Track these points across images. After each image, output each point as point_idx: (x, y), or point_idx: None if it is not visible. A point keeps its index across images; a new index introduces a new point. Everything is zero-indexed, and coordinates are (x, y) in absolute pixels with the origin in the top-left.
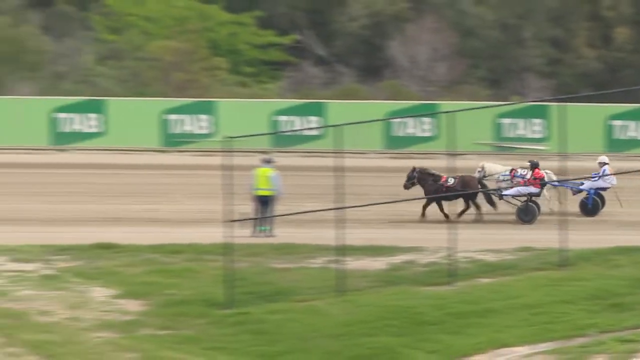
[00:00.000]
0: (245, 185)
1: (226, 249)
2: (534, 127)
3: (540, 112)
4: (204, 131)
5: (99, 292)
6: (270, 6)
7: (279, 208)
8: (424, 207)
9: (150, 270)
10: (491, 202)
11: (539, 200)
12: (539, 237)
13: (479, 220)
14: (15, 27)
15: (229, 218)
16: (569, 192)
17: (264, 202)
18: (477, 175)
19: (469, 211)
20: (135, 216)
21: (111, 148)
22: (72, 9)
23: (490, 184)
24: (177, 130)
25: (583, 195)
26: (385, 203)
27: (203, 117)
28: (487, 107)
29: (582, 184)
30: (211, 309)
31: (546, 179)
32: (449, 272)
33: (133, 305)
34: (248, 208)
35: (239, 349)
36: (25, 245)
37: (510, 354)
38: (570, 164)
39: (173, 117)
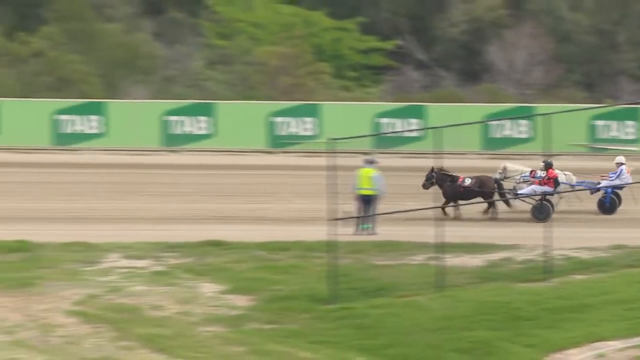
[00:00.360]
0: (348, 185)
1: (330, 247)
2: (626, 129)
3: (633, 115)
4: (309, 133)
5: (208, 288)
6: (373, 12)
7: (380, 207)
8: (443, 207)
9: (257, 266)
10: (506, 202)
11: (553, 199)
12: (632, 235)
13: (494, 218)
14: (129, 33)
15: (333, 217)
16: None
17: (367, 201)
18: (498, 175)
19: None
20: (242, 215)
21: (220, 149)
22: (183, 16)
23: (510, 184)
24: (283, 132)
25: (600, 194)
26: (483, 202)
27: (308, 119)
28: (581, 109)
29: (599, 183)
30: (315, 304)
31: (565, 179)
32: (545, 269)
33: (241, 301)
34: (351, 207)
35: (342, 342)
36: (138, 242)
37: (605, 347)
38: None
39: (279, 119)
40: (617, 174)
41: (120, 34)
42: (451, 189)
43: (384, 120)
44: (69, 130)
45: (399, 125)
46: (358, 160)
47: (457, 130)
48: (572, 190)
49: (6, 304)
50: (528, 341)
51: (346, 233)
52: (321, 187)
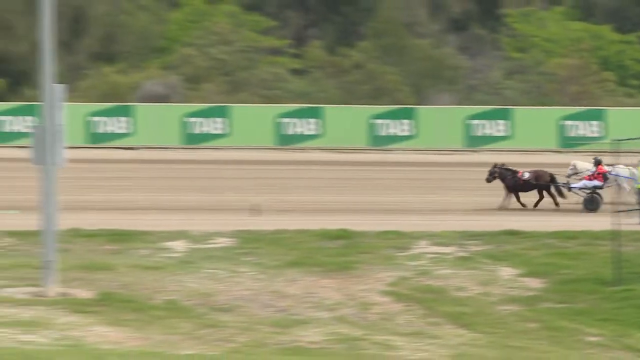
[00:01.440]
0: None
1: (614, 235)
2: None
3: None
4: (595, 135)
5: (506, 272)
6: None
7: None
8: (505, 199)
9: (549, 253)
10: (560, 193)
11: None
12: None
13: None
14: (437, 48)
15: (617, 209)
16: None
17: None
18: (569, 171)
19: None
20: (539, 206)
21: (516, 149)
22: (485, 32)
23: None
24: (572, 133)
25: None
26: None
27: (594, 122)
28: None
29: None
30: (601, 286)
31: (629, 174)
32: None
33: (534, 283)
34: (633, 199)
35: (625, 320)
36: (444, 231)
37: None
38: None
39: (569, 122)
40: None
41: (429, 48)
42: (512, 182)
43: None
44: (383, 133)
45: None
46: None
47: None
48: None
49: (330, 285)
50: None
51: (629, 223)
52: None
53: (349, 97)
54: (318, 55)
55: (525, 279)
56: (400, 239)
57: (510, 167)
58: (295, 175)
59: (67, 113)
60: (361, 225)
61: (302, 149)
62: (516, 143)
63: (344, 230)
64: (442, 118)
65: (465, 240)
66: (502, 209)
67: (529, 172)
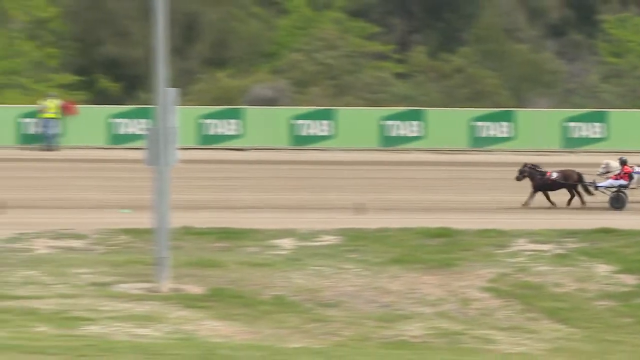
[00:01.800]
0: None
1: None
2: None
3: None
4: None
5: (601, 268)
6: None
7: None
8: (531, 196)
9: None
10: (588, 191)
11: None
12: None
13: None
14: (535, 53)
15: None
16: None
17: None
18: (601, 170)
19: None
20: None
21: (611, 150)
22: (582, 38)
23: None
24: None
25: None
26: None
27: None
28: None
29: None
30: None
31: None
32: None
33: (629, 279)
34: None
35: None
36: (542, 229)
37: None
38: None
39: None
40: None
41: (528, 53)
42: (541, 181)
43: None
44: (484, 134)
45: None
46: None
47: None
48: None
49: (431, 281)
50: None
51: None
52: None
53: (450, 100)
54: (421, 60)
55: (621, 276)
56: (500, 237)
57: (540, 168)
58: (397, 176)
59: (179, 115)
60: (461, 223)
61: (405, 150)
62: (612, 144)
63: (445, 229)
64: (540, 120)
65: (562, 238)
66: (526, 206)
67: (557, 172)
